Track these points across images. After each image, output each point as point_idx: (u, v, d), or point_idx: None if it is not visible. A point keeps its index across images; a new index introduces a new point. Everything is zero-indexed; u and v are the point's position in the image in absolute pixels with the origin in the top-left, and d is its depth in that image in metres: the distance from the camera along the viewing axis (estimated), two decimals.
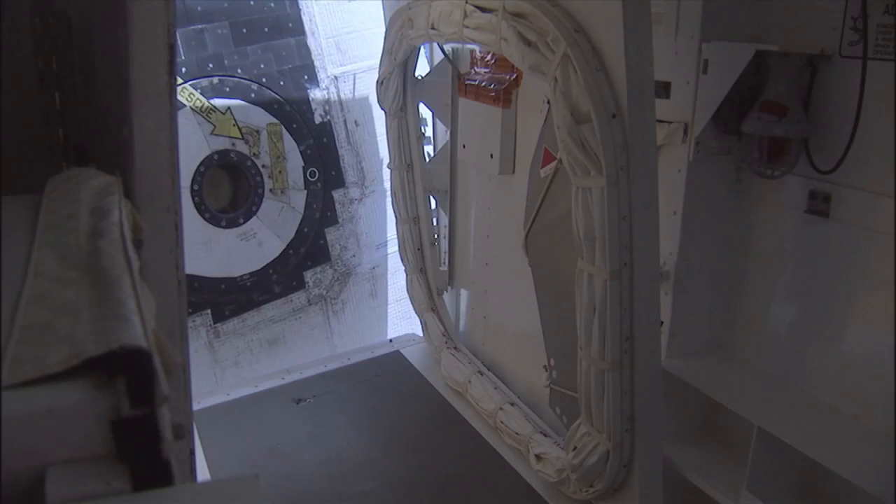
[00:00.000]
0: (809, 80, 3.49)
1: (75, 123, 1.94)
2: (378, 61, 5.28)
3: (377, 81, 5.34)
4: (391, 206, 5.80)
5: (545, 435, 4.30)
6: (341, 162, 6.28)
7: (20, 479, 0.85)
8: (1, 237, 1.36)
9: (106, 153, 1.80)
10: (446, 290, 5.85)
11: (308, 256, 6.26)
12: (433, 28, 4.17)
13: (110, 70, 1.72)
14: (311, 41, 6.01)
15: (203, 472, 4.16)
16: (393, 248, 6.65)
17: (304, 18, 5.98)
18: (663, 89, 3.81)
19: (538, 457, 4.16)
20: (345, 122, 6.25)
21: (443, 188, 5.60)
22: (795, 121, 3.45)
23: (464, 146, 5.20)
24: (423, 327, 5.80)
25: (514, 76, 4.52)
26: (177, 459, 0.91)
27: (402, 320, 6.85)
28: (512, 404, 4.68)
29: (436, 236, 5.76)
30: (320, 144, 6.14)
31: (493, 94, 4.65)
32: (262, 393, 5.24)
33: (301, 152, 6.03)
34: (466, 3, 3.72)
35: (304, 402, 5.13)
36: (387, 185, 6.55)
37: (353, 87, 6.24)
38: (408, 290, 5.94)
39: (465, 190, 5.48)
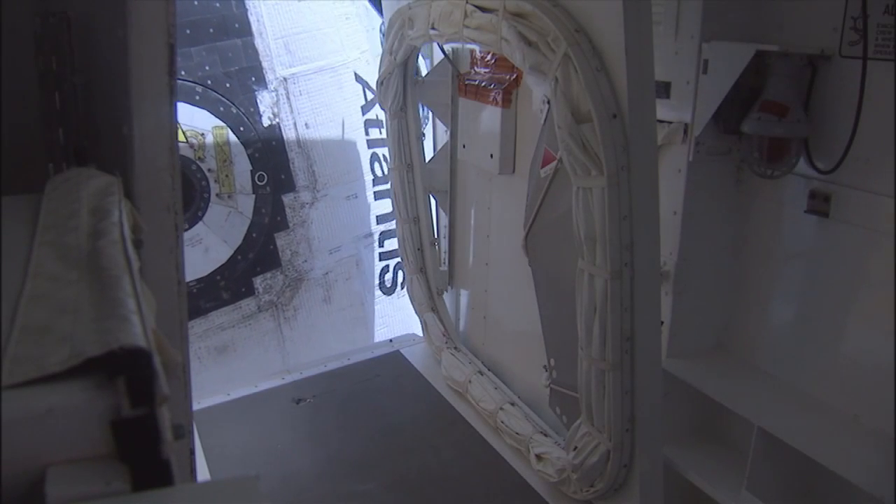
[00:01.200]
0: (809, 80, 3.49)
1: (75, 123, 1.94)
2: (328, 62, 5.20)
3: (377, 81, 5.34)
4: (392, 205, 5.78)
5: (545, 435, 4.30)
6: (291, 165, 6.09)
7: (20, 479, 0.85)
8: (1, 237, 1.36)
9: (106, 153, 1.80)
10: (446, 290, 5.85)
11: (257, 262, 6.07)
12: (433, 28, 4.17)
13: (110, 70, 1.72)
14: (258, 42, 5.84)
15: (203, 472, 4.16)
16: (346, 253, 6.48)
17: (252, 19, 5.81)
18: (663, 89, 3.81)
19: (539, 457, 4.16)
20: (295, 124, 6.07)
21: (443, 188, 5.60)
22: (795, 121, 3.45)
23: (464, 146, 5.20)
24: (423, 327, 5.81)
25: (514, 76, 4.52)
26: (177, 459, 0.91)
27: (356, 326, 6.65)
28: (512, 404, 4.68)
29: (436, 236, 5.76)
30: (269, 148, 5.97)
31: (493, 94, 4.65)
32: (262, 393, 5.25)
33: (249, 156, 5.84)
34: (467, 3, 3.72)
35: (304, 402, 5.13)
36: (338, 189, 6.33)
37: (304, 89, 6.08)
38: (408, 290, 5.94)
39: (465, 190, 5.48)
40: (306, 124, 6.14)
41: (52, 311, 1.04)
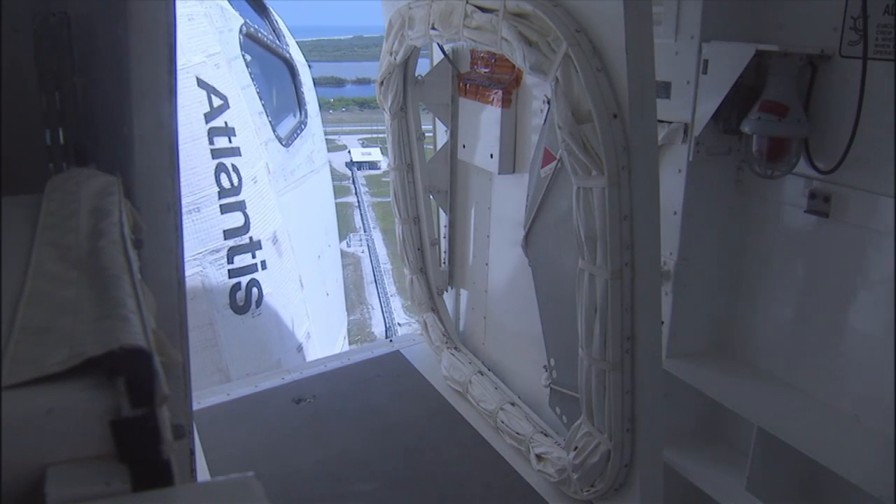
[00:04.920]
0: (809, 80, 3.49)
1: (75, 123, 1.94)
2: None
3: (377, 82, 5.33)
4: (392, 205, 5.77)
5: (546, 435, 4.30)
6: None
7: (20, 479, 0.85)
8: (1, 237, 1.36)
9: (106, 153, 1.80)
10: (446, 290, 5.85)
11: None
12: (433, 28, 4.17)
13: (110, 70, 1.72)
14: None
15: (203, 472, 4.16)
16: (188, 271, 6.16)
17: None
18: (663, 89, 3.81)
19: (539, 457, 4.16)
20: None
21: (443, 188, 5.60)
22: (795, 121, 3.45)
23: (464, 146, 5.20)
24: (423, 327, 5.81)
25: (514, 76, 4.52)
26: (177, 459, 0.91)
27: (203, 349, 6.36)
28: (512, 404, 4.68)
29: (436, 236, 5.77)
30: None
31: (493, 94, 4.65)
32: (262, 393, 5.24)
33: None
34: (467, 3, 3.71)
35: (304, 402, 5.13)
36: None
37: None
38: (408, 289, 5.94)
39: (465, 190, 5.48)
40: None
41: (52, 311, 1.04)
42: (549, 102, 3.48)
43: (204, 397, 5.09)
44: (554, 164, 3.78)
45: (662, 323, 3.81)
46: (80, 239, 1.29)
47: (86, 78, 1.90)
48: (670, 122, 3.82)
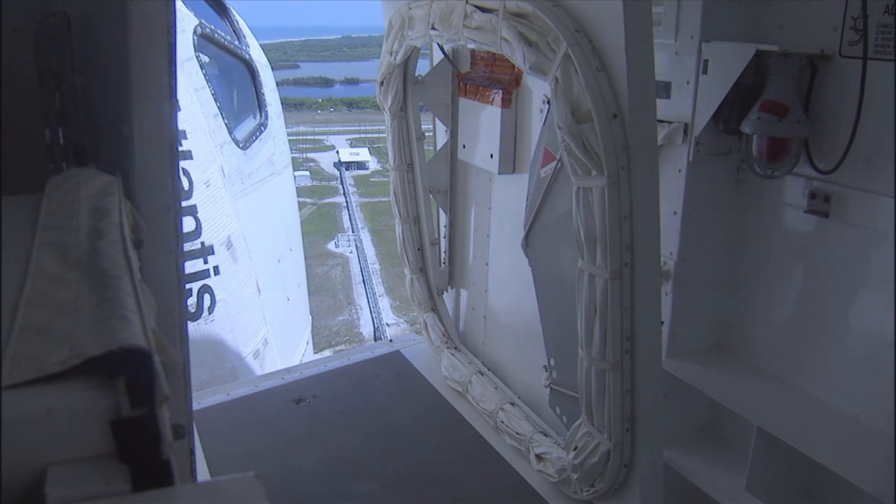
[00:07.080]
0: (809, 80, 3.49)
1: (75, 123, 1.94)
2: None
3: (377, 82, 5.33)
4: (392, 205, 5.78)
5: (546, 435, 4.31)
6: None
7: (20, 479, 0.84)
8: (1, 237, 1.36)
9: (106, 153, 1.80)
10: (446, 290, 5.85)
11: None
12: (433, 28, 4.17)
13: (110, 70, 1.72)
14: None
15: (203, 472, 4.16)
16: None
17: None
18: (663, 89, 3.81)
19: (539, 457, 4.17)
20: None
21: (443, 188, 5.60)
22: (795, 121, 3.45)
23: (464, 146, 5.20)
24: (423, 327, 5.81)
25: (514, 76, 4.52)
26: (177, 459, 0.91)
27: None
28: (512, 404, 4.68)
29: (436, 236, 5.77)
30: None
31: (493, 94, 4.66)
32: (262, 393, 5.25)
33: None
34: (466, 3, 3.71)
35: (304, 402, 5.13)
36: None
37: None
38: (408, 290, 5.95)
39: (465, 190, 5.49)
40: None
41: (52, 311, 1.04)
42: (549, 102, 3.48)
43: (204, 397, 5.10)
44: (554, 164, 3.78)
45: (662, 323, 3.81)
46: (80, 239, 1.29)
47: (86, 78, 1.91)
48: (670, 122, 3.82)
